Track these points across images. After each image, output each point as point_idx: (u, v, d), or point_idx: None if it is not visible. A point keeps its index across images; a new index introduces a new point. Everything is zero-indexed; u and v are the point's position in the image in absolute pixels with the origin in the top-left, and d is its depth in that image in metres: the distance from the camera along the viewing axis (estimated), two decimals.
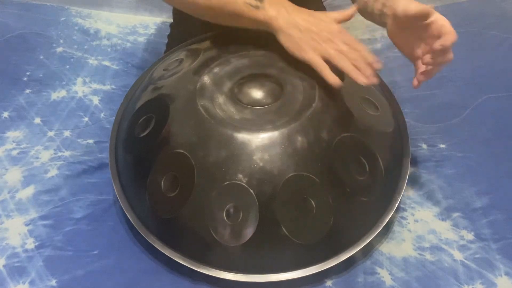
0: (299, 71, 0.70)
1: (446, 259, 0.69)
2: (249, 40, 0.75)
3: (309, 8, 0.97)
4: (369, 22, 1.16)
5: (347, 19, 0.70)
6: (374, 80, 0.65)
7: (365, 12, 0.79)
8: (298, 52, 0.67)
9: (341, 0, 1.23)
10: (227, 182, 0.61)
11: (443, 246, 0.70)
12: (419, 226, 0.73)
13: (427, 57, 0.66)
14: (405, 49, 0.71)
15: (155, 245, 0.66)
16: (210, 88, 0.69)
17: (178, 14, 1.04)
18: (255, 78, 0.70)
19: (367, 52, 0.66)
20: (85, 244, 0.71)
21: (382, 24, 0.74)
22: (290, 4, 0.70)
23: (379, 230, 0.66)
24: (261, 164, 0.61)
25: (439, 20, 0.64)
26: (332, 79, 0.65)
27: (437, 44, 0.63)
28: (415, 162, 0.83)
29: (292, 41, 0.67)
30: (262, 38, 0.73)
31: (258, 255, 0.63)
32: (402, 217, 0.75)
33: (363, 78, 0.64)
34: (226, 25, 0.75)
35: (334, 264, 0.64)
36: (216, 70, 0.71)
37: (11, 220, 0.73)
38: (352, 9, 0.71)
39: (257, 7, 0.68)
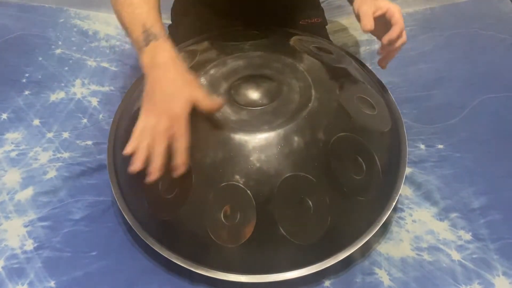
0: (295, 72, 0.70)
1: (444, 259, 0.69)
2: (246, 42, 0.76)
3: (305, 9, 0.98)
4: None
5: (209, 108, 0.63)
6: (150, 178, 0.58)
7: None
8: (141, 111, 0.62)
9: (340, 0, 1.23)
10: (224, 183, 0.61)
11: (441, 246, 0.71)
12: (417, 226, 0.73)
13: (384, 45, 0.73)
14: (379, 36, 0.75)
15: (153, 247, 0.66)
16: (207, 89, 0.69)
17: (176, 16, 1.04)
18: (251, 79, 0.71)
19: (179, 159, 0.58)
20: (83, 245, 0.71)
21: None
22: (168, 64, 0.63)
23: (377, 229, 0.66)
24: (258, 165, 0.61)
25: (389, 11, 0.70)
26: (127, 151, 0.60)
27: (385, 39, 0.71)
28: (413, 162, 0.83)
29: (144, 98, 0.62)
30: (258, 40, 0.74)
31: (256, 256, 0.63)
32: (400, 218, 0.75)
33: (135, 167, 0.58)
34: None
35: (332, 263, 0.64)
36: (212, 71, 0.71)
37: (10, 222, 0.73)
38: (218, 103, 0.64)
39: (146, 43, 0.64)
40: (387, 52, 0.74)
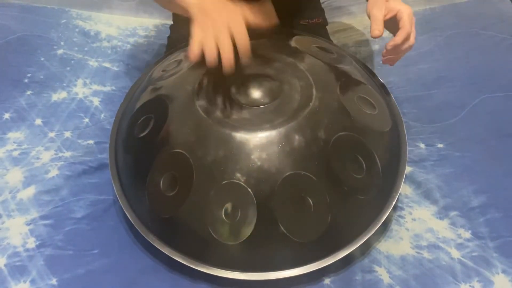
0: (296, 71, 0.71)
1: (443, 257, 0.69)
2: None
3: (306, 9, 0.98)
4: (366, 24, 1.17)
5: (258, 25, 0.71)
6: (226, 69, 0.64)
7: None
8: (191, 33, 0.67)
9: (340, 1, 1.24)
10: (225, 181, 0.62)
11: (441, 244, 0.71)
12: (417, 224, 0.74)
13: (388, 50, 0.72)
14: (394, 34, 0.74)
15: (155, 244, 0.66)
16: (208, 88, 0.69)
17: (177, 16, 1.04)
18: (252, 78, 0.71)
19: (243, 46, 0.65)
20: (85, 243, 0.71)
21: None
22: None
23: (377, 228, 0.67)
24: (259, 163, 0.62)
25: (399, 13, 0.70)
26: (190, 52, 0.65)
27: (389, 44, 0.71)
28: (413, 161, 0.83)
29: (194, 24, 0.67)
30: (259, 39, 0.74)
31: (257, 253, 0.64)
32: (400, 216, 0.75)
33: (211, 60, 0.63)
34: (168, 10, 0.80)
35: (332, 262, 0.64)
36: (213, 70, 0.71)
37: (12, 220, 0.73)
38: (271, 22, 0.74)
39: None
40: (392, 56, 0.74)
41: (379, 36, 0.70)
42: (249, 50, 0.65)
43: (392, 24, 0.72)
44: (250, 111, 0.67)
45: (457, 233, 0.72)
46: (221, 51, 0.63)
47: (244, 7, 0.69)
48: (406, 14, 0.70)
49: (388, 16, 0.71)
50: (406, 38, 0.70)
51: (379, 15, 0.71)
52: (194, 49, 0.64)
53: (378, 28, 0.70)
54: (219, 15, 0.65)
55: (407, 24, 0.70)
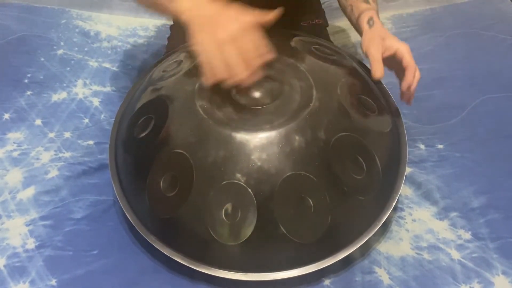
0: (296, 72, 0.71)
1: (443, 259, 0.69)
2: None
3: (307, 11, 0.98)
4: None
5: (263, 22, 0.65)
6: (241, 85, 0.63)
7: (345, 13, 0.85)
8: (191, 41, 0.64)
9: None
10: (226, 182, 0.62)
11: (441, 245, 0.71)
12: (417, 225, 0.74)
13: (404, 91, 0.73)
14: (392, 69, 0.75)
15: (155, 245, 0.66)
16: (208, 88, 0.69)
17: None
18: None
19: (256, 55, 0.63)
20: (85, 244, 0.71)
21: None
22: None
23: (377, 228, 0.67)
24: (259, 164, 0.62)
25: (399, 52, 0.70)
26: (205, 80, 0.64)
27: (404, 87, 0.72)
28: (413, 162, 0.83)
29: (192, 32, 0.64)
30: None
31: (257, 254, 0.64)
32: (400, 217, 0.75)
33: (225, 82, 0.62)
34: (156, 13, 0.78)
35: (332, 262, 0.64)
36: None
37: (12, 221, 0.73)
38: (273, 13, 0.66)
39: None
40: (408, 94, 0.74)
41: (381, 78, 0.70)
42: (268, 54, 0.64)
43: (390, 61, 0.72)
44: (250, 112, 0.67)
45: (457, 234, 0.72)
46: (233, 69, 0.61)
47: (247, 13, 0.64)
48: (406, 52, 0.70)
49: (385, 55, 0.70)
50: (414, 75, 0.70)
51: (377, 55, 0.70)
52: (206, 75, 0.62)
53: (379, 69, 0.70)
54: (221, 25, 0.61)
55: (411, 62, 0.70)
